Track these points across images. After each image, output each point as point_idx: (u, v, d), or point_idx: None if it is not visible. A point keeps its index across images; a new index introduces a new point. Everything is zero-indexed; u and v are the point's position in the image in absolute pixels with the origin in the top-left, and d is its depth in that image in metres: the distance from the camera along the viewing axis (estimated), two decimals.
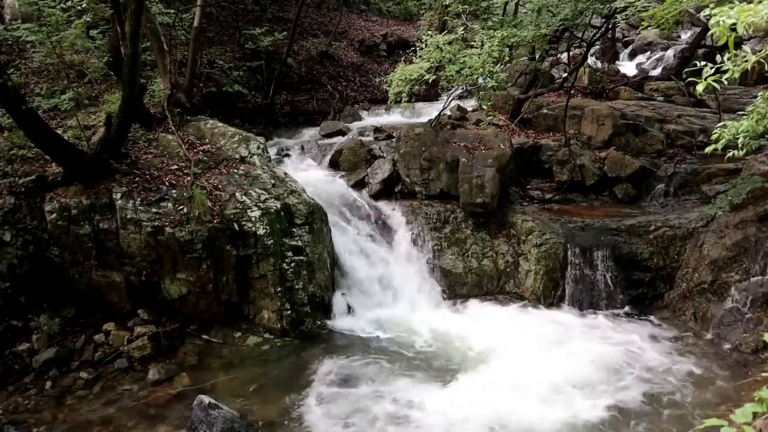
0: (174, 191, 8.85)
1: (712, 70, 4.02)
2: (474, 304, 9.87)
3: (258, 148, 10.34)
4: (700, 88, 4.08)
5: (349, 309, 9.59)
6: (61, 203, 8.36)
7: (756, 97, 6.37)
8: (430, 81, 10.92)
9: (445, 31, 12.82)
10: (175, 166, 9.33)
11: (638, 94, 14.76)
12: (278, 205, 9.16)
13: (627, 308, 9.66)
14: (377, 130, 13.62)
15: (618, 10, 10.18)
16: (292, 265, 8.89)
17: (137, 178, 8.87)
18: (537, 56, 14.31)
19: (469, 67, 10.30)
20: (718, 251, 9.12)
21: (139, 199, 8.56)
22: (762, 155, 10.01)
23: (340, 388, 7.50)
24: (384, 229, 10.54)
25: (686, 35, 20.36)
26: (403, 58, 14.72)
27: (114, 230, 8.48)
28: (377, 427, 6.81)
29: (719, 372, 7.80)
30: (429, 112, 14.60)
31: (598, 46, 18.85)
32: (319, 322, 9.03)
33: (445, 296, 10.04)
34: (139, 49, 8.45)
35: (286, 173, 10.41)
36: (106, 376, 7.78)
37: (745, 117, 6.11)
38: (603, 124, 12.23)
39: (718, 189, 10.13)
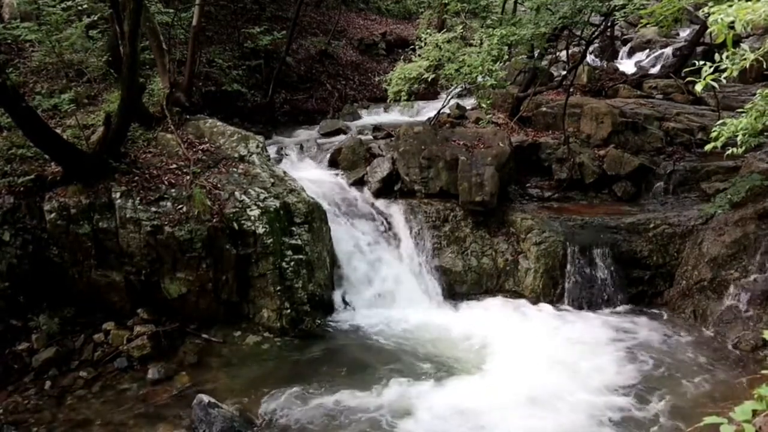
0: (173, 190, 8.85)
1: (711, 69, 4.03)
2: (473, 302, 9.88)
3: (257, 147, 10.34)
4: (699, 87, 4.09)
5: (349, 308, 9.59)
6: (60, 203, 8.36)
7: (755, 94, 6.39)
8: (430, 80, 10.94)
9: (444, 30, 12.84)
10: (175, 166, 9.33)
11: (637, 92, 14.78)
12: (277, 204, 9.16)
13: (626, 306, 9.66)
14: (376, 128, 13.63)
15: (617, 8, 10.17)
16: (292, 264, 8.89)
17: (136, 178, 8.87)
18: (536, 54, 14.31)
19: (469, 66, 10.32)
20: (717, 249, 9.12)
21: (138, 199, 8.56)
22: (761, 153, 10.01)
23: (340, 387, 7.49)
24: (383, 227, 10.53)
25: (685, 33, 20.33)
26: (402, 57, 14.76)
27: (113, 230, 8.48)
28: (378, 424, 6.81)
29: (719, 369, 7.80)
30: (428, 110, 14.62)
31: (597, 44, 18.85)
32: (319, 321, 9.03)
33: (444, 294, 10.03)
34: (138, 49, 8.45)
35: (285, 172, 10.41)
36: (106, 376, 7.77)
37: (744, 114, 6.12)
38: (602, 122, 12.23)
39: (717, 187, 10.14)
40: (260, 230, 8.75)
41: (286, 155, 12.56)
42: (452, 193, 10.65)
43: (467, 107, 14.29)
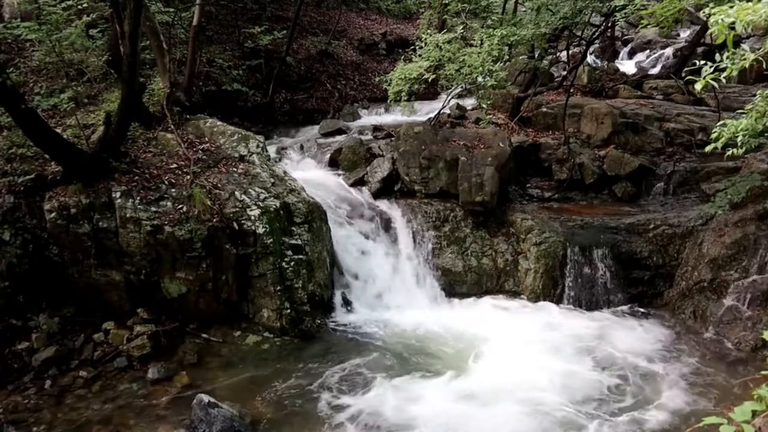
0: (173, 190, 8.84)
1: (711, 69, 4.03)
2: (473, 302, 9.87)
3: (257, 146, 10.34)
4: (698, 86, 4.10)
5: (349, 308, 9.59)
6: (60, 202, 8.36)
7: (755, 95, 6.39)
8: (430, 80, 10.94)
9: (445, 30, 12.84)
10: (175, 165, 9.33)
11: (637, 93, 14.78)
12: (277, 204, 9.16)
13: (626, 306, 9.66)
14: (377, 128, 13.62)
15: (617, 9, 10.18)
16: (292, 263, 8.89)
17: (137, 177, 8.86)
18: (536, 55, 14.31)
19: (469, 66, 10.33)
20: (717, 249, 9.12)
21: (138, 198, 8.56)
22: (761, 153, 10.00)
23: (340, 387, 7.50)
24: (383, 227, 10.53)
25: (685, 33, 20.36)
26: (402, 57, 14.73)
27: (113, 229, 8.47)
28: (377, 423, 6.81)
29: (718, 370, 7.80)
30: (428, 110, 14.60)
31: (597, 45, 18.85)
32: (319, 321, 9.03)
33: (444, 295, 10.04)
34: (139, 48, 8.44)
35: (285, 172, 10.41)
36: (106, 375, 7.77)
37: (744, 115, 6.12)
38: (602, 123, 12.23)
39: (717, 187, 10.13)
40: (260, 230, 8.75)
41: (287, 155, 12.56)
42: (452, 193, 10.65)
43: (467, 107, 14.28)
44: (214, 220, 8.63)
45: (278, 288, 8.72)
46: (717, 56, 4.19)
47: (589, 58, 17.58)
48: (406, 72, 10.78)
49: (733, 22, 3.73)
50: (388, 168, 11.21)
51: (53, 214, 8.32)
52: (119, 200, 8.49)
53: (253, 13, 17.77)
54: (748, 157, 9.93)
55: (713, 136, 5.90)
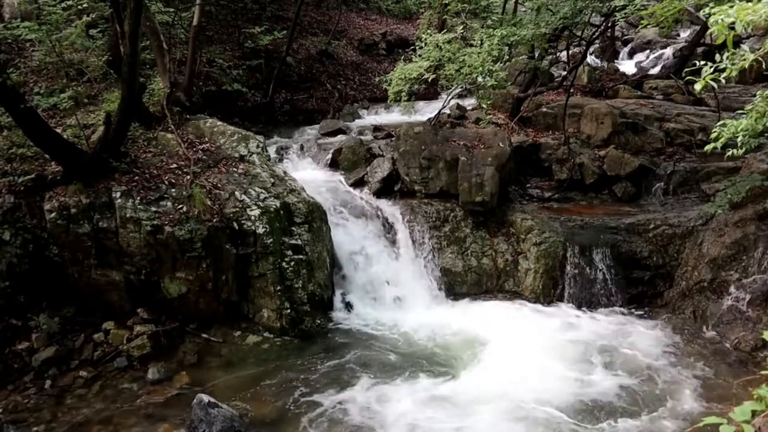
0: (173, 190, 8.85)
1: (711, 69, 4.03)
2: (473, 302, 9.87)
3: (257, 146, 10.34)
4: (698, 86, 4.10)
5: (349, 308, 9.60)
6: (60, 202, 8.36)
7: (755, 95, 6.39)
8: (430, 80, 10.94)
9: (445, 30, 12.84)
10: (175, 165, 9.34)
11: (637, 93, 14.78)
12: (278, 204, 9.16)
13: (626, 306, 9.65)
14: (377, 128, 13.62)
15: (617, 9, 10.18)
16: (292, 263, 8.89)
17: (137, 177, 8.87)
18: (536, 55, 14.31)
19: (469, 66, 10.33)
20: (717, 249, 9.12)
21: (138, 198, 8.56)
22: (761, 153, 10.00)
23: (340, 387, 7.50)
24: (383, 227, 10.53)
25: (685, 34, 20.37)
26: (402, 57, 14.73)
27: (113, 229, 8.47)
28: (377, 425, 6.81)
29: (718, 370, 7.79)
30: (428, 110, 14.61)
31: (597, 45, 18.86)
32: (319, 321, 9.04)
33: (444, 295, 10.03)
34: (139, 48, 8.45)
35: (285, 172, 10.41)
36: (106, 375, 7.77)
37: (744, 115, 6.13)
38: (602, 123, 12.23)
39: (717, 187, 10.13)
40: (260, 230, 8.75)
41: (287, 155, 12.56)
42: (452, 193, 10.65)
43: (467, 107, 14.29)
44: (214, 220, 8.63)
45: (278, 288, 8.73)
46: (717, 56, 4.19)
47: (589, 58, 17.58)
48: (406, 72, 10.79)
49: (733, 22, 3.74)
50: (388, 168, 11.21)
51: (53, 214, 8.32)
52: (119, 200, 8.49)
53: (253, 13, 17.78)
54: (748, 157, 9.93)
55: (713, 136, 5.90)
